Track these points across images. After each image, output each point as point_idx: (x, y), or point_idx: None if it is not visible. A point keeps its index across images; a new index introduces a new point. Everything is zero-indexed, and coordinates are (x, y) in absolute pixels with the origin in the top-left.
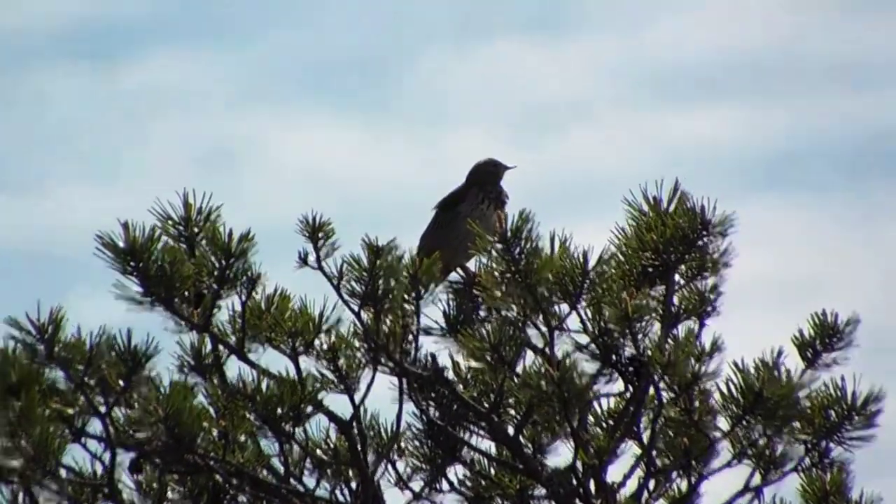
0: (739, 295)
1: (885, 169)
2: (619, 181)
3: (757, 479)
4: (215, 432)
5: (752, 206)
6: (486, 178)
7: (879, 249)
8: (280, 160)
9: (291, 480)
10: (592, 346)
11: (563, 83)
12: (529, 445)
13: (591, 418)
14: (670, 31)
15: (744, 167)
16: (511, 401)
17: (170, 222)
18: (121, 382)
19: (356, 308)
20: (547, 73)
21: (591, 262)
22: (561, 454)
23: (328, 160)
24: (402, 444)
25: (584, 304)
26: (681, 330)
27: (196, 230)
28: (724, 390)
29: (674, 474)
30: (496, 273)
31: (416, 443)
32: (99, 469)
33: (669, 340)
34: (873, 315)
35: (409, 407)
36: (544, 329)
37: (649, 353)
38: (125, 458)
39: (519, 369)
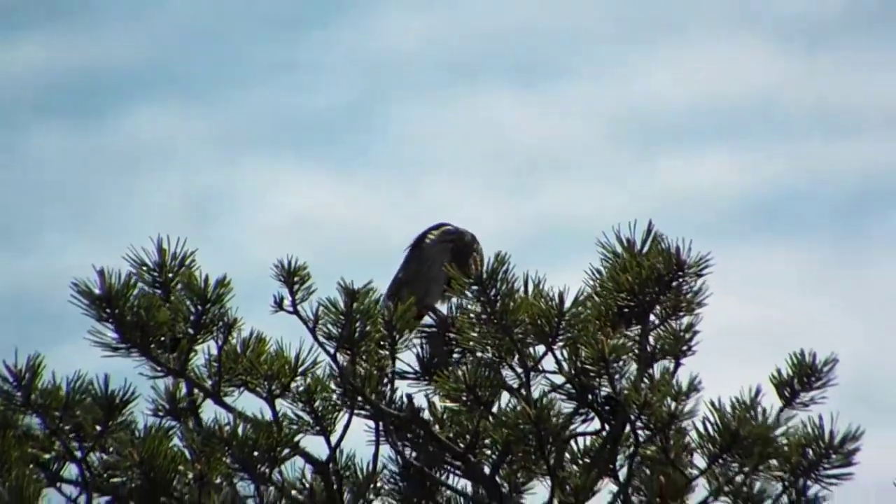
0: (722, 337)
1: (874, 214)
2: (604, 227)
3: None
4: (191, 475)
5: (739, 251)
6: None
7: (867, 295)
8: (263, 209)
9: None
10: (568, 385)
11: (549, 131)
12: (506, 485)
13: (567, 457)
14: (657, 78)
15: (731, 213)
16: (487, 441)
17: (144, 268)
18: (97, 427)
19: (332, 351)
20: (532, 121)
21: (567, 304)
22: (538, 493)
23: (310, 209)
24: (379, 485)
25: (559, 344)
26: (657, 370)
27: (171, 276)
28: (701, 429)
29: None
30: (471, 314)
31: (393, 483)
32: None
33: (645, 380)
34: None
35: (385, 448)
36: (520, 370)
37: (626, 392)
38: (101, 502)
39: (495, 409)
